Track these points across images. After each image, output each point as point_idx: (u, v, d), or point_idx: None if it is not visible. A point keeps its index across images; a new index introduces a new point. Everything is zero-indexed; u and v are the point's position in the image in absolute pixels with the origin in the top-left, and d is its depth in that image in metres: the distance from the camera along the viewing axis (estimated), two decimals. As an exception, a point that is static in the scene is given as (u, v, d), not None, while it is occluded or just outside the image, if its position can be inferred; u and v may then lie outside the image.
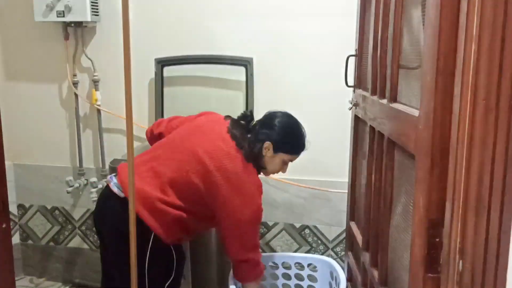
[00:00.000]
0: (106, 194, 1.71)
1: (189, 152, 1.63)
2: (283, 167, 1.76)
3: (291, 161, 1.76)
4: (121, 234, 1.58)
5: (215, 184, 1.58)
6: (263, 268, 1.72)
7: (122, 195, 1.62)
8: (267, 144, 1.67)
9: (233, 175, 1.59)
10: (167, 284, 1.70)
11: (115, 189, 1.64)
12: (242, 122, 1.74)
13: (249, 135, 1.68)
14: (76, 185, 2.56)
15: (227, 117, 1.77)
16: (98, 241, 2.65)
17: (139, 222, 1.58)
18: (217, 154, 1.61)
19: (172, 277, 1.71)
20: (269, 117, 1.74)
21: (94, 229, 2.65)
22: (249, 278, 1.70)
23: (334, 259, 2.27)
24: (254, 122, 1.74)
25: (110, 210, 1.67)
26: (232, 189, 1.58)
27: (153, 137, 1.90)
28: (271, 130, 1.68)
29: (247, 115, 1.76)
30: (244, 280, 1.71)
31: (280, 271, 2.11)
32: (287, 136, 1.71)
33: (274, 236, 2.48)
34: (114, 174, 1.71)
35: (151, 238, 1.60)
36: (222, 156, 1.60)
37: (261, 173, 1.75)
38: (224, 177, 1.58)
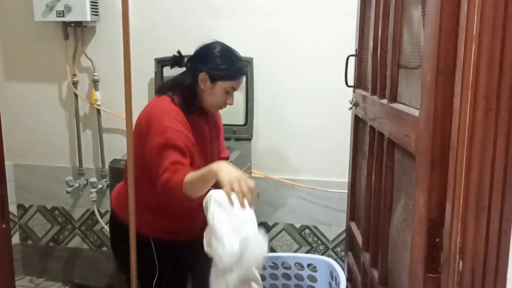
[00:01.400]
0: None
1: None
2: (227, 97, 1.63)
3: (234, 89, 1.64)
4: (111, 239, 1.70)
5: (136, 130, 1.53)
6: (180, 175, 1.42)
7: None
8: (203, 75, 1.57)
9: (146, 117, 1.54)
10: (154, 281, 1.63)
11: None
12: (173, 66, 1.66)
13: (181, 75, 1.62)
14: (76, 185, 2.56)
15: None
16: (99, 241, 2.68)
17: (116, 219, 1.65)
18: (147, 107, 1.60)
19: (157, 273, 1.63)
20: (198, 50, 1.65)
21: (96, 228, 2.66)
22: (172, 192, 1.43)
23: (334, 259, 2.27)
24: (185, 60, 1.65)
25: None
26: (147, 126, 1.51)
27: None
28: (203, 60, 1.60)
29: (175, 57, 1.66)
30: (173, 199, 1.46)
31: (280, 271, 2.11)
32: (221, 62, 1.60)
33: (274, 236, 2.47)
34: None
35: (127, 231, 1.50)
36: (150, 105, 1.60)
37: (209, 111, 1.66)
38: (145, 119, 1.54)
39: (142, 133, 1.52)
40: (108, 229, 2.21)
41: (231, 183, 1.30)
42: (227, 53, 1.63)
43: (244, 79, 2.26)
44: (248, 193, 1.30)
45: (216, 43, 1.66)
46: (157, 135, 1.48)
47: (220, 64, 1.60)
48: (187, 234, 1.68)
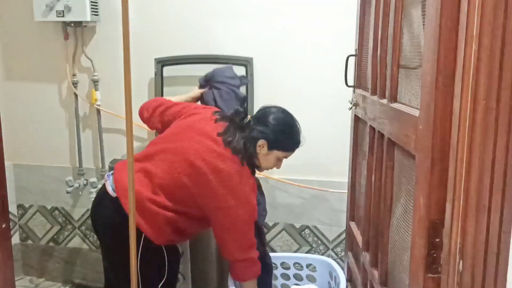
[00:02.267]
0: (101, 194, 1.71)
1: (180, 154, 1.61)
2: (277, 163, 1.73)
3: (286, 157, 1.75)
4: (114, 234, 1.61)
5: (207, 186, 1.56)
6: (260, 265, 1.70)
7: (114, 194, 1.61)
8: (262, 142, 1.64)
9: (227, 177, 1.56)
10: (160, 285, 1.68)
11: (109, 189, 1.64)
12: (235, 119, 1.70)
13: (243, 134, 1.65)
14: (76, 185, 2.56)
15: (218, 115, 1.73)
16: (98, 241, 2.67)
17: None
18: (209, 156, 1.58)
19: (165, 278, 1.69)
20: (263, 113, 1.70)
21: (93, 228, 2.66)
22: (247, 277, 1.68)
23: (334, 259, 2.27)
24: (248, 119, 1.71)
25: (102, 210, 1.67)
26: (226, 190, 1.56)
27: (144, 119, 1.89)
28: (265, 128, 1.65)
29: (240, 112, 1.73)
30: (242, 279, 1.70)
31: (279, 271, 2.11)
32: (281, 133, 1.68)
33: (274, 236, 2.47)
34: (111, 172, 1.70)
35: (142, 238, 1.57)
36: (214, 158, 1.58)
37: (255, 170, 1.74)
38: (217, 178, 1.56)
39: (212, 179, 1.56)
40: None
41: None
42: (290, 126, 1.70)
43: (244, 80, 2.28)
44: None
45: (280, 111, 1.72)
46: (247, 211, 1.60)
47: (281, 135, 1.67)
48: (184, 241, 1.89)
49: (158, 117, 1.85)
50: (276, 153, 1.69)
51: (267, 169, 1.75)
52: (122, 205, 1.57)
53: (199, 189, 1.58)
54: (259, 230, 1.84)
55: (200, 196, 1.59)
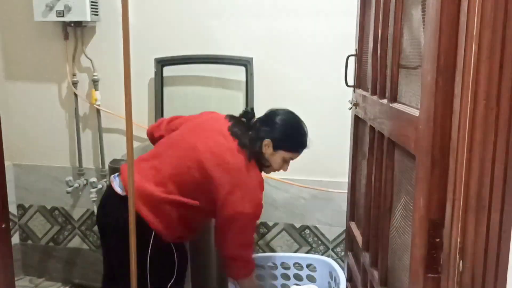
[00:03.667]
0: (108, 194, 1.71)
1: (189, 148, 1.63)
2: (283, 165, 1.74)
3: (292, 159, 1.75)
4: (123, 234, 1.58)
5: (216, 179, 1.58)
6: (254, 266, 1.72)
7: (124, 194, 1.62)
8: (267, 141, 1.66)
9: (235, 170, 1.58)
10: (170, 284, 1.69)
11: (118, 189, 1.64)
12: (243, 119, 1.74)
13: (249, 133, 1.67)
14: (76, 185, 2.56)
15: (228, 116, 1.77)
16: (99, 241, 2.67)
17: (140, 221, 1.56)
18: (218, 149, 1.61)
19: (174, 277, 1.70)
20: (270, 114, 1.73)
21: (96, 228, 2.66)
22: (239, 276, 1.70)
23: (334, 259, 2.27)
24: (255, 120, 1.74)
25: (112, 209, 1.66)
26: (233, 183, 1.58)
27: (155, 139, 1.90)
28: (271, 128, 1.68)
29: (248, 112, 1.76)
30: (235, 277, 1.71)
31: (279, 271, 2.10)
32: (287, 134, 1.70)
33: (274, 236, 2.47)
34: (117, 174, 1.71)
35: (152, 236, 1.59)
36: (223, 152, 1.60)
37: (263, 171, 1.75)
38: (226, 171, 1.58)
39: (221, 174, 1.58)
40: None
41: None
42: (296, 127, 1.72)
43: (244, 78, 2.28)
44: None
45: (287, 113, 1.74)
46: (253, 205, 1.60)
47: (287, 136, 1.70)
48: (192, 237, 1.85)
49: (166, 125, 1.88)
50: (282, 153, 1.70)
51: (274, 170, 1.76)
52: (125, 196, 1.57)
53: (207, 182, 1.59)
54: None
55: (209, 189, 1.60)
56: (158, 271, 1.64)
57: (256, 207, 1.62)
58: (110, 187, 1.69)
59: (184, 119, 1.86)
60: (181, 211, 1.62)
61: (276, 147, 1.68)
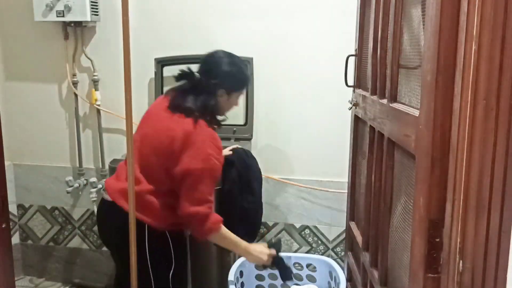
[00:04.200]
0: (100, 205, 1.79)
1: (143, 139, 1.66)
2: (236, 102, 1.77)
3: (243, 93, 1.80)
4: (120, 237, 1.61)
5: (169, 153, 1.59)
6: (217, 220, 1.63)
7: (109, 198, 1.67)
8: (220, 91, 1.67)
9: (183, 136, 1.58)
10: (171, 274, 1.70)
11: (105, 196, 1.71)
12: (184, 83, 1.72)
13: (199, 95, 1.66)
14: (76, 185, 2.56)
15: (167, 91, 1.77)
16: (99, 241, 2.67)
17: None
18: (163, 126, 1.63)
19: (173, 266, 1.71)
20: (210, 63, 1.71)
21: (96, 228, 2.66)
22: (204, 232, 1.63)
23: (334, 259, 2.27)
24: (196, 75, 1.71)
25: (104, 218, 1.75)
26: (183, 148, 1.58)
27: None
28: (218, 77, 1.67)
29: (185, 73, 1.72)
30: (200, 236, 1.65)
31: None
32: (235, 75, 1.70)
33: (274, 236, 2.47)
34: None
35: (146, 231, 1.61)
36: (170, 128, 1.61)
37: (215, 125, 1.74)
38: (176, 141, 1.58)
39: (174, 148, 1.58)
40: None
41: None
42: (237, 64, 1.71)
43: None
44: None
45: (223, 55, 1.72)
46: (199, 160, 1.57)
47: (235, 78, 1.70)
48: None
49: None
50: (236, 94, 1.73)
51: (228, 110, 1.76)
52: (119, 206, 1.62)
53: (165, 159, 1.60)
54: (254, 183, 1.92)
55: (168, 165, 1.60)
56: (158, 263, 1.66)
57: (204, 161, 1.58)
58: (101, 198, 1.77)
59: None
60: (161, 199, 1.63)
61: (230, 92, 1.69)
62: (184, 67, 1.72)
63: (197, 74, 1.70)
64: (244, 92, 1.77)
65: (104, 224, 1.76)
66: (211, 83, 1.66)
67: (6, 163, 1.19)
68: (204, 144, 1.59)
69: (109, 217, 1.70)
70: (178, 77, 1.71)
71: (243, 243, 1.71)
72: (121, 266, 1.74)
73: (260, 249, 1.76)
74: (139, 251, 1.46)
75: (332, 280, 1.98)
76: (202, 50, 2.32)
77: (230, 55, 1.73)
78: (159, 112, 1.69)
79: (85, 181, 2.59)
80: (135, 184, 1.62)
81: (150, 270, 1.64)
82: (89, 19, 2.30)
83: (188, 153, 1.57)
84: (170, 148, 1.59)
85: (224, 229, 1.65)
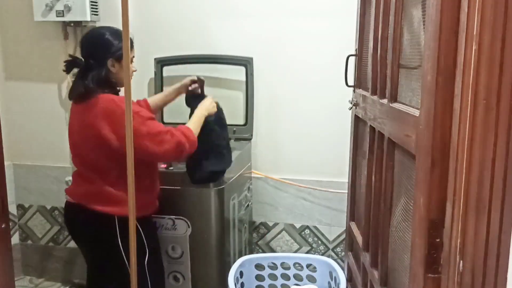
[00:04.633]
0: (65, 205, 1.87)
1: (72, 139, 1.77)
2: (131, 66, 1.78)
3: (133, 56, 1.79)
4: (86, 234, 1.76)
5: (94, 135, 1.61)
6: (187, 135, 1.67)
7: (73, 200, 1.77)
8: (110, 61, 1.67)
9: (96, 117, 1.60)
10: (146, 261, 1.73)
11: (67, 198, 1.80)
12: (77, 72, 1.75)
13: (88, 74, 1.68)
14: (76, 185, 2.55)
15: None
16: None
17: (99, 216, 1.67)
18: (80, 119, 1.67)
19: (147, 253, 1.74)
20: (88, 41, 1.73)
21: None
22: (189, 152, 1.68)
23: (334, 259, 2.27)
24: (80, 59, 1.74)
25: (68, 220, 1.84)
26: (102, 124, 1.59)
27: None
28: (102, 50, 1.68)
29: (71, 62, 1.77)
30: (190, 152, 1.69)
31: (279, 271, 2.10)
32: (117, 42, 1.69)
33: (274, 237, 2.47)
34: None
35: (116, 223, 1.65)
36: (83, 119, 1.65)
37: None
38: (96, 125, 1.60)
39: (99, 132, 1.60)
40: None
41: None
42: (116, 32, 1.71)
43: (244, 78, 2.27)
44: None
45: (99, 29, 1.76)
46: (122, 121, 1.52)
47: (118, 45, 1.68)
48: (155, 207, 1.85)
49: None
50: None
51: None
52: (82, 205, 1.71)
53: (99, 148, 1.63)
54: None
55: (105, 150, 1.62)
56: (127, 252, 1.67)
57: (135, 119, 1.57)
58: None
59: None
60: (117, 186, 1.65)
61: (118, 59, 1.68)
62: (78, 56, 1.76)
63: (81, 58, 1.73)
64: (133, 54, 1.74)
65: (73, 224, 1.82)
66: (96, 60, 1.68)
67: (6, 163, 1.19)
68: (112, 104, 1.60)
69: (72, 219, 1.80)
70: (67, 68, 1.77)
71: (199, 114, 1.79)
72: (91, 262, 1.82)
73: (208, 103, 1.84)
74: (111, 243, 1.56)
75: (332, 280, 1.98)
76: (202, 50, 2.34)
77: (100, 28, 1.77)
78: (73, 114, 1.75)
79: (85, 181, 2.59)
80: (89, 183, 1.70)
81: (126, 260, 1.65)
82: (89, 19, 2.30)
83: (110, 126, 1.58)
84: (96, 134, 1.60)
85: (193, 129, 1.71)
